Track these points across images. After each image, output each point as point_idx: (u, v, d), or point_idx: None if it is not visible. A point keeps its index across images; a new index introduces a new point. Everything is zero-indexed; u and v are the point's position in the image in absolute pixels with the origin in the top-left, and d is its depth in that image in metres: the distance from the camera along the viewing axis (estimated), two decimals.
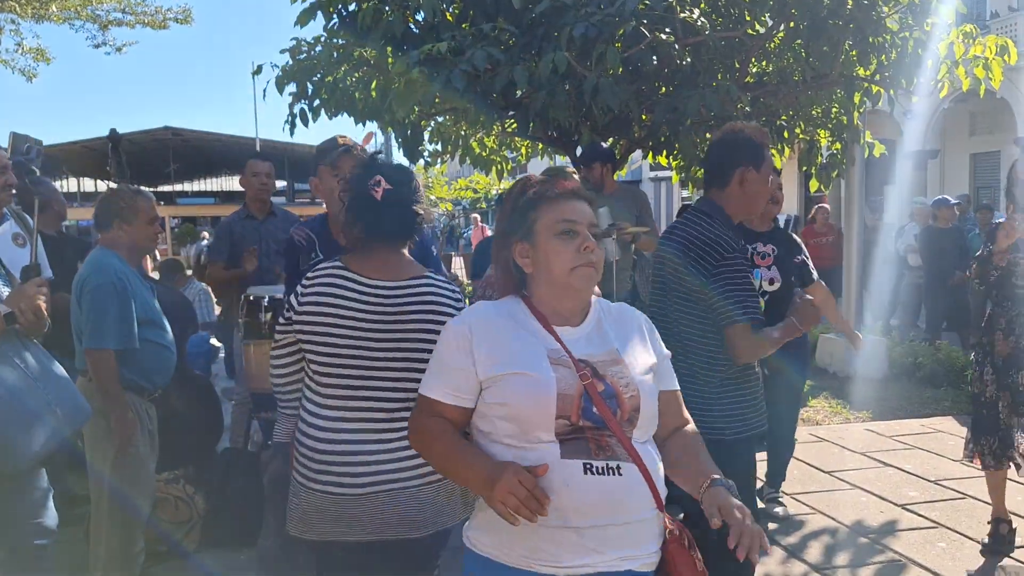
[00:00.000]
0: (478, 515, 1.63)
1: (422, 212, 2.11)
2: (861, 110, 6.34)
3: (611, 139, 6.39)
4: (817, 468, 4.85)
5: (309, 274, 2.06)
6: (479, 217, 19.73)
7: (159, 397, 3.11)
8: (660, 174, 24.68)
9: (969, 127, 19.06)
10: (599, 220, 1.73)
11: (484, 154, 7.74)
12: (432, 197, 16.91)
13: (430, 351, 1.71)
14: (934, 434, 5.49)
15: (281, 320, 2.07)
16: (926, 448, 5.16)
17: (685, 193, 25.99)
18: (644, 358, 1.66)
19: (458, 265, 17.14)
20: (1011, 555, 3.54)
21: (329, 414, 1.98)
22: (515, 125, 6.49)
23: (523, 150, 8.08)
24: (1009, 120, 18.22)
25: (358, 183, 2.06)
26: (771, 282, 3.77)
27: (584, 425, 1.53)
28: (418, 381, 1.70)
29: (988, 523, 3.60)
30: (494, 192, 19.66)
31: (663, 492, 1.59)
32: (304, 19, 5.33)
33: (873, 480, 4.60)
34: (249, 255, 4.28)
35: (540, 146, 7.59)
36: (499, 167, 7.92)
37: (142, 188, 3.35)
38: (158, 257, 11.62)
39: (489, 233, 15.38)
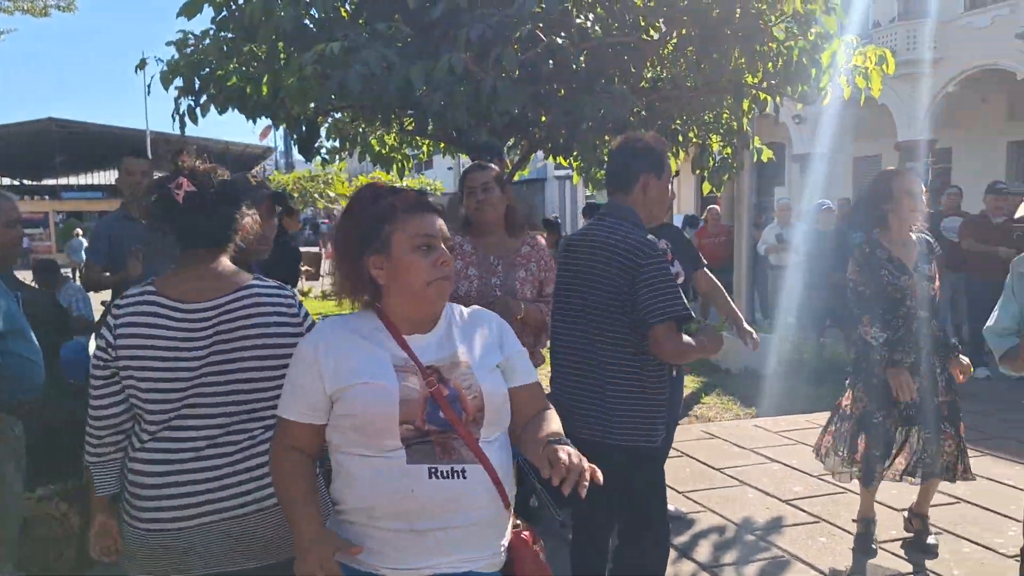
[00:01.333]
0: (335, 525, 1.67)
1: (234, 213, 1.97)
2: (750, 116, 6.56)
3: (511, 140, 6.40)
4: (708, 465, 4.99)
5: (118, 302, 1.91)
6: None
7: (29, 411, 2.91)
8: (564, 172, 24.95)
9: (853, 132, 20.03)
10: None
11: (384, 151, 7.63)
12: (331, 194, 16.58)
13: (257, 368, 1.74)
14: (817, 429, 5.71)
15: (98, 353, 1.90)
16: (809, 443, 5.34)
17: (588, 191, 26.40)
18: (489, 359, 1.72)
19: None
20: (882, 547, 3.72)
21: (154, 446, 1.87)
22: (413, 124, 6.42)
23: (425, 147, 8.01)
24: (889, 126, 19.27)
25: (160, 185, 1.93)
26: (676, 276, 3.85)
27: (430, 429, 1.59)
28: (245, 402, 1.74)
29: (854, 521, 3.78)
30: None
31: (511, 491, 1.67)
32: (190, 12, 5.10)
33: (760, 476, 4.77)
34: (134, 257, 4.04)
35: (441, 144, 7.54)
36: (400, 164, 7.82)
37: (3, 191, 3.12)
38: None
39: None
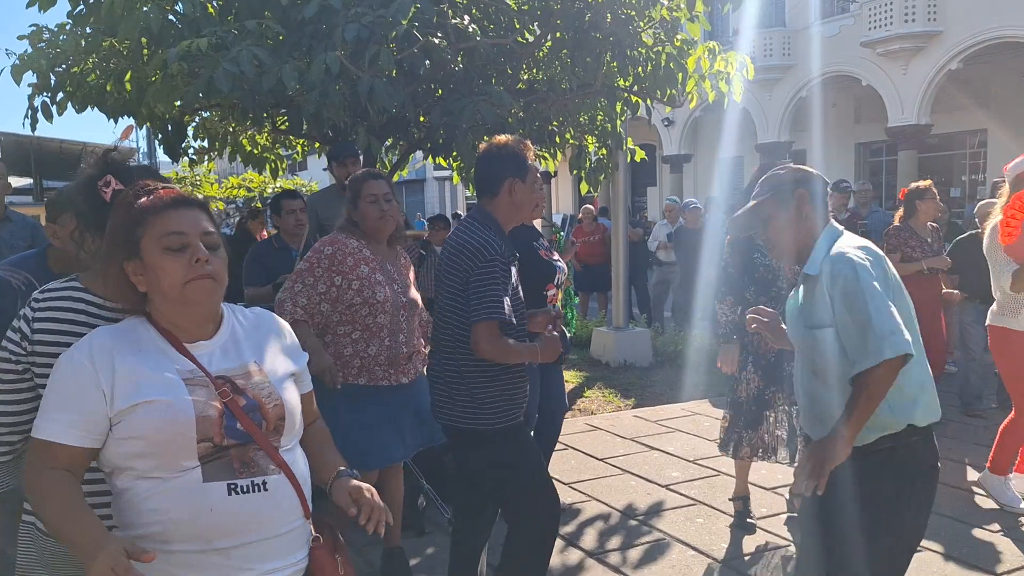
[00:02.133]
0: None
1: None
2: (623, 118, 6.79)
3: (390, 140, 6.36)
4: (591, 456, 5.13)
5: (37, 295, 1.79)
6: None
7: None
8: (443, 174, 24.93)
9: (718, 135, 21.00)
10: None
11: (256, 151, 7.41)
12: (200, 196, 15.89)
13: None
14: (692, 416, 6.00)
15: (6, 345, 1.75)
16: (685, 430, 5.62)
17: (469, 193, 26.47)
18: (284, 365, 1.68)
19: None
20: (760, 525, 3.94)
21: None
22: (287, 123, 6.28)
23: (299, 148, 7.84)
24: (750, 129, 20.33)
25: (85, 186, 1.83)
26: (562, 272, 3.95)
27: (228, 444, 1.52)
28: None
29: (730, 500, 4.01)
30: (270, 190, 18.86)
31: (309, 495, 1.65)
32: (43, 4, 4.80)
33: (641, 464, 4.95)
34: None
35: (317, 144, 7.40)
36: (273, 165, 7.62)
37: None
38: None
39: (265, 234, 14.73)
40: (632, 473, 4.79)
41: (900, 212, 5.83)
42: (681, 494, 4.42)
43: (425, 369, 3.20)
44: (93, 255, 1.83)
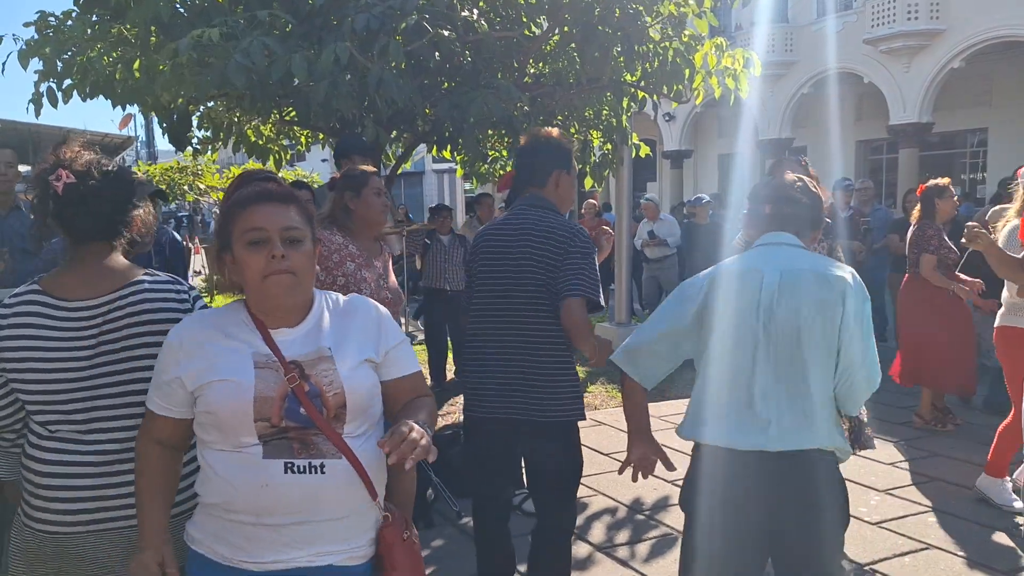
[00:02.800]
0: (196, 513, 1.70)
1: (120, 206, 1.88)
2: (628, 113, 6.78)
3: (395, 132, 6.35)
4: (597, 451, 5.14)
5: (6, 301, 1.83)
6: None
7: None
8: (442, 166, 24.92)
9: (717, 130, 21.00)
10: None
11: (261, 142, 7.39)
12: (202, 186, 15.87)
13: (150, 366, 1.70)
14: None
15: None
16: None
17: (467, 185, 26.47)
18: (358, 353, 1.68)
19: None
20: None
21: (50, 445, 1.80)
22: (294, 114, 6.26)
23: (303, 139, 7.82)
24: (751, 124, 20.33)
25: (39, 180, 1.84)
26: None
27: (288, 426, 1.58)
28: (141, 403, 1.71)
29: None
30: None
31: (382, 482, 1.68)
32: None
33: None
34: None
35: (320, 136, 7.38)
36: (277, 156, 7.60)
37: None
38: None
39: None
40: None
41: (917, 210, 5.60)
42: None
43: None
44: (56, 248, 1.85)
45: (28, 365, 1.77)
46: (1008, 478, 4.18)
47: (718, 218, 10.03)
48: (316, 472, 1.57)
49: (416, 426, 1.54)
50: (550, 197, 2.78)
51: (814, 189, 2.31)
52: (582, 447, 2.86)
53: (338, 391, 1.61)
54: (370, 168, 3.32)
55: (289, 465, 1.57)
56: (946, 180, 5.62)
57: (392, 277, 3.32)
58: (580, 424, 5.55)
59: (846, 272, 2.15)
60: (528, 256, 2.68)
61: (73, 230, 1.84)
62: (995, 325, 4.21)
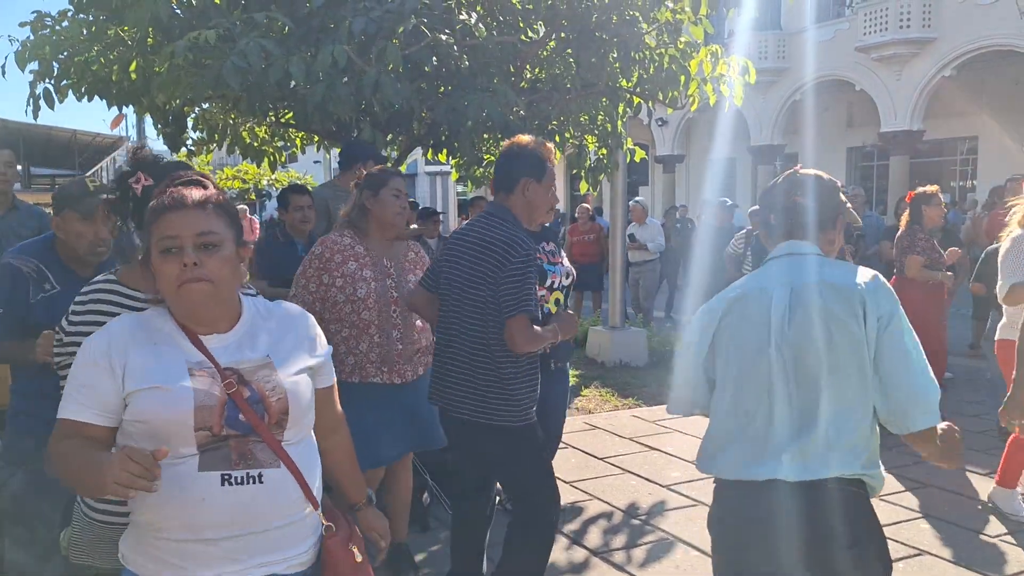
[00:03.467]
0: (127, 530, 1.64)
1: None
2: (624, 119, 6.80)
3: (391, 135, 6.35)
4: (591, 455, 5.15)
5: (84, 289, 1.92)
6: (247, 209, 18.74)
7: None
8: (435, 168, 24.86)
9: (710, 136, 21.06)
10: None
11: (256, 144, 7.38)
12: (209, 190, 15.81)
13: None
14: (690, 418, 6.01)
15: (56, 343, 1.94)
16: (684, 431, 5.65)
17: (460, 188, 26.45)
18: (297, 359, 1.68)
19: None
20: None
21: None
22: (290, 115, 6.25)
23: (298, 141, 7.80)
24: (744, 131, 20.42)
25: (120, 181, 1.94)
26: (567, 275, 3.94)
27: (228, 434, 1.54)
28: None
29: None
30: (264, 183, 18.77)
31: (318, 489, 1.66)
32: None
33: (641, 463, 4.97)
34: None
35: (315, 138, 7.37)
36: (271, 158, 7.59)
37: None
38: None
39: (257, 226, 14.67)
40: (633, 473, 4.81)
41: (905, 216, 5.84)
42: (682, 494, 4.44)
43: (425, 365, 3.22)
44: (127, 249, 1.91)
45: None
46: (1020, 489, 4.18)
47: (704, 223, 10.06)
48: (254, 482, 1.54)
49: (387, 532, 1.82)
50: (517, 205, 2.81)
51: (820, 186, 2.16)
52: (532, 452, 2.83)
53: (281, 396, 1.59)
54: (392, 169, 3.35)
55: (226, 477, 1.52)
56: (934, 188, 5.83)
57: (412, 276, 3.30)
58: (574, 429, 5.56)
59: (864, 276, 1.97)
60: (471, 267, 2.75)
61: None
62: (995, 338, 4.23)
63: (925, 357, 1.93)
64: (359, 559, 1.70)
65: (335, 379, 1.83)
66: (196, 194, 1.61)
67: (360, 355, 3.14)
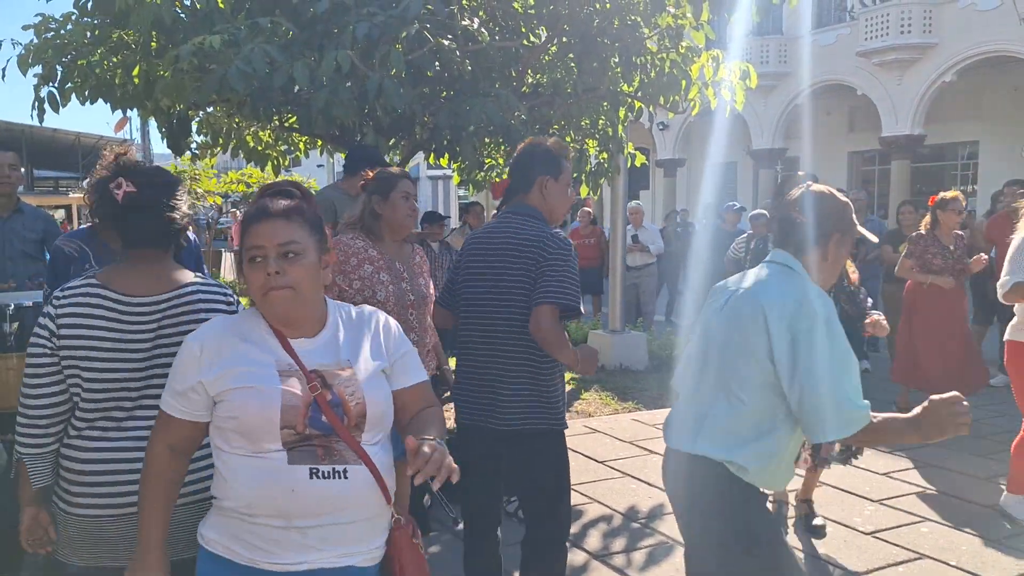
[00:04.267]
0: (210, 515, 1.73)
1: (179, 217, 1.99)
2: (625, 123, 6.82)
3: (393, 139, 6.37)
4: (591, 458, 5.16)
5: (58, 293, 1.91)
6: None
7: None
8: (437, 173, 24.92)
9: (710, 140, 21.09)
10: None
11: (259, 148, 7.41)
12: (199, 190, 15.85)
13: None
14: None
15: (38, 342, 1.88)
16: None
17: (462, 192, 26.47)
18: (373, 364, 1.74)
19: (230, 262, 16.26)
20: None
21: (92, 433, 1.89)
22: (293, 120, 6.28)
23: (301, 145, 7.83)
24: (744, 134, 20.44)
25: (99, 186, 1.94)
26: None
27: (311, 433, 1.62)
28: None
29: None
30: None
31: (393, 487, 1.73)
32: None
33: (641, 467, 4.98)
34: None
35: (319, 142, 7.39)
36: (275, 161, 7.61)
37: None
38: None
39: None
40: (633, 476, 4.82)
41: (927, 220, 6.01)
42: None
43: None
44: (113, 253, 1.93)
45: (89, 354, 1.86)
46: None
47: (715, 225, 10.08)
48: (340, 477, 1.63)
49: (436, 445, 1.57)
50: (535, 203, 2.79)
51: (820, 204, 2.23)
52: (568, 456, 2.86)
53: (359, 401, 1.67)
54: (400, 171, 3.34)
55: (314, 471, 1.61)
56: (953, 193, 5.97)
57: (423, 280, 3.31)
58: (574, 432, 5.58)
59: (785, 295, 2.09)
60: (507, 265, 2.71)
61: (129, 236, 1.94)
62: (1004, 339, 4.23)
63: (843, 373, 2.02)
64: (421, 550, 1.78)
65: (425, 375, 1.86)
66: (281, 204, 1.70)
67: None
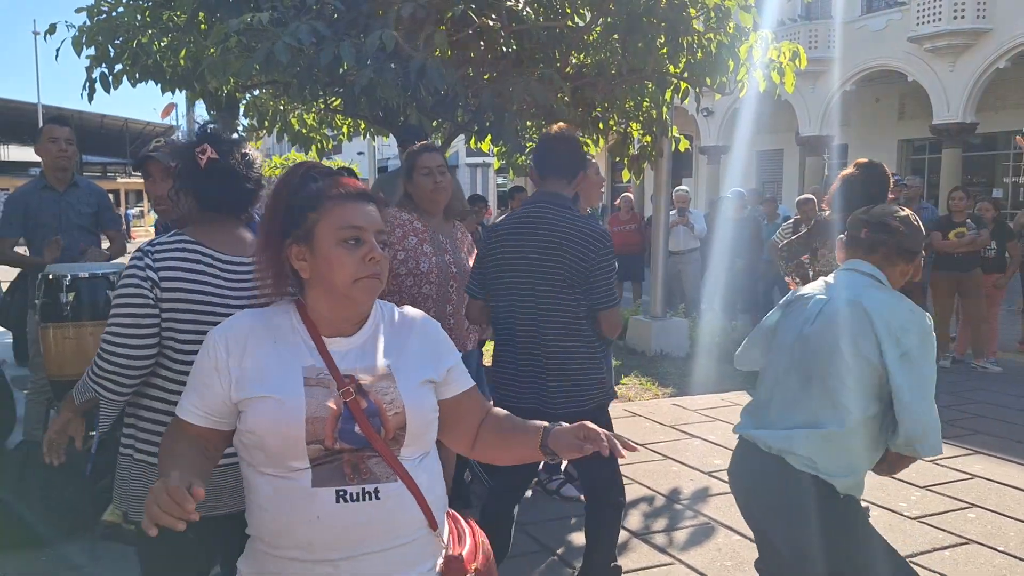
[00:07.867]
0: (247, 546, 1.53)
1: (253, 187, 2.00)
2: (670, 105, 6.74)
3: (436, 121, 6.39)
4: (632, 441, 5.14)
5: (147, 248, 1.89)
6: None
7: None
8: (476, 160, 24.94)
9: (756, 126, 20.76)
10: None
11: (304, 131, 7.49)
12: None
13: None
14: (731, 407, 5.98)
15: (140, 292, 1.83)
16: (726, 420, 5.61)
17: (500, 180, 26.47)
18: (419, 370, 1.54)
19: None
20: None
21: (176, 388, 1.83)
22: (338, 102, 6.32)
23: (344, 129, 7.89)
24: (791, 121, 20.09)
25: (185, 151, 1.95)
26: None
27: (341, 448, 1.42)
28: None
29: None
30: None
31: (441, 510, 1.54)
32: None
33: (682, 450, 4.95)
34: (52, 246, 3.83)
35: (362, 125, 7.45)
36: (319, 145, 7.69)
37: None
38: None
39: None
40: (674, 459, 4.79)
41: None
42: (725, 481, 4.40)
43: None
44: (188, 214, 1.95)
45: (190, 307, 1.84)
46: None
47: (756, 213, 9.95)
48: (371, 498, 1.42)
49: (588, 424, 1.48)
50: (570, 193, 2.87)
51: (915, 223, 2.26)
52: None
53: (399, 411, 1.46)
54: (425, 146, 3.36)
55: (341, 493, 1.40)
56: None
57: (464, 254, 3.35)
58: (615, 415, 5.56)
59: (901, 307, 2.13)
60: (552, 256, 2.72)
61: (208, 199, 1.94)
62: None
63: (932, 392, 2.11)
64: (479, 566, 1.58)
65: (471, 382, 1.67)
66: (370, 191, 1.54)
67: None
